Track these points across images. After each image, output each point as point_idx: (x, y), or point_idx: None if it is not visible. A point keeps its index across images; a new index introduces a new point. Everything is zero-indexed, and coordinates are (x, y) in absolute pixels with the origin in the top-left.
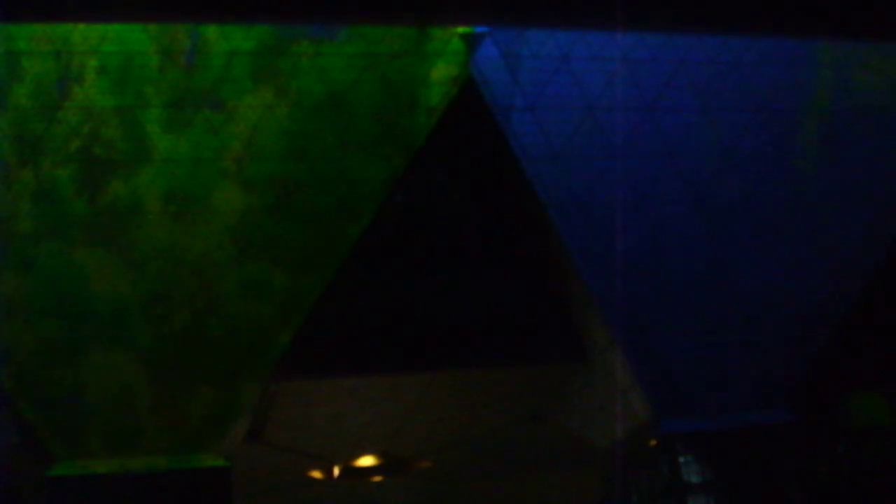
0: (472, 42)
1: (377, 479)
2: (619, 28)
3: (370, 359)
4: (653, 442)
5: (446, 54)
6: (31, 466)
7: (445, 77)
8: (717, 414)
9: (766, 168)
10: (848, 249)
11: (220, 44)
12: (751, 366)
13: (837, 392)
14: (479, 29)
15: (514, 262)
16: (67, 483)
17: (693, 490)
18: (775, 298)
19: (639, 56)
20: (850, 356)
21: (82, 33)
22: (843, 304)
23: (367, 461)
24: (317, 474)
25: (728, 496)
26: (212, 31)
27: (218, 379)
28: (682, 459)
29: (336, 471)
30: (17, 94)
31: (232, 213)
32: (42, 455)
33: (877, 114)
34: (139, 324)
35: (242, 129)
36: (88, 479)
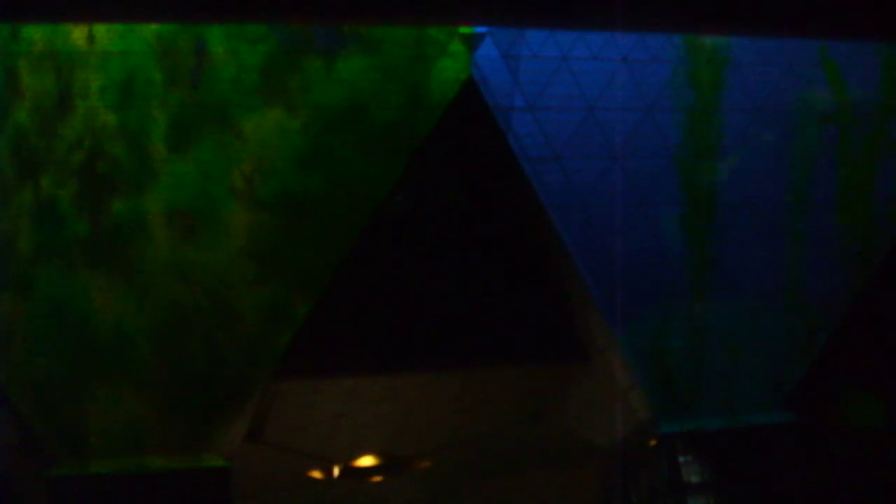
0: (472, 42)
1: (377, 479)
2: (619, 28)
3: (370, 359)
4: (653, 442)
5: (446, 54)
6: (31, 466)
7: (445, 77)
8: (717, 414)
9: (766, 168)
10: (848, 249)
11: (227, 59)
12: (751, 366)
13: (836, 393)
14: (479, 29)
15: (514, 262)
16: (67, 483)
17: (693, 490)
18: (775, 299)
19: (639, 56)
20: (850, 357)
21: (85, 50)
22: (843, 305)
23: (367, 461)
24: (317, 474)
25: (728, 496)
26: (217, 48)
27: (218, 379)
28: (682, 459)
29: (336, 471)
30: (18, 113)
31: (233, 215)
32: (42, 455)
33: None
34: (140, 329)
35: (251, 144)
36: (88, 479)
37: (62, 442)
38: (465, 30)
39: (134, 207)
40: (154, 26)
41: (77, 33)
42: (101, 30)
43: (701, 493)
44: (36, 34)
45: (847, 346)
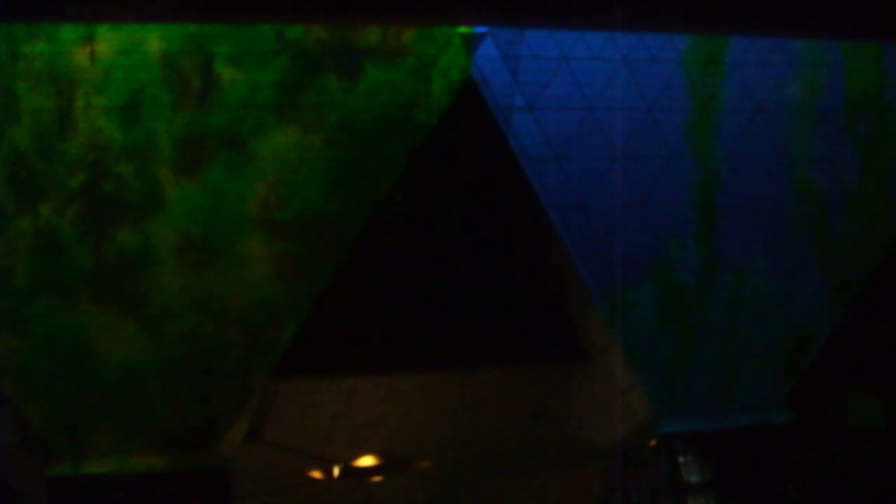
0: (472, 42)
1: (377, 479)
2: (619, 28)
3: (370, 359)
4: (653, 442)
5: (446, 54)
6: (31, 466)
7: (445, 77)
8: (717, 414)
9: (765, 168)
10: (848, 249)
11: (237, 79)
12: (750, 366)
13: (836, 392)
14: (479, 29)
15: (514, 262)
16: (67, 483)
17: (693, 490)
18: (775, 298)
19: (639, 56)
20: (849, 357)
21: (86, 68)
22: (843, 304)
23: (367, 461)
24: (317, 474)
25: (728, 496)
26: (225, 71)
27: (218, 379)
28: (681, 459)
29: (336, 471)
30: (16, 136)
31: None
32: (42, 455)
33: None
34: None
35: (265, 165)
36: (88, 479)
37: (62, 441)
38: (464, 30)
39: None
40: (157, 43)
41: (78, 54)
42: (103, 48)
43: (701, 493)
44: (35, 52)
45: (847, 346)
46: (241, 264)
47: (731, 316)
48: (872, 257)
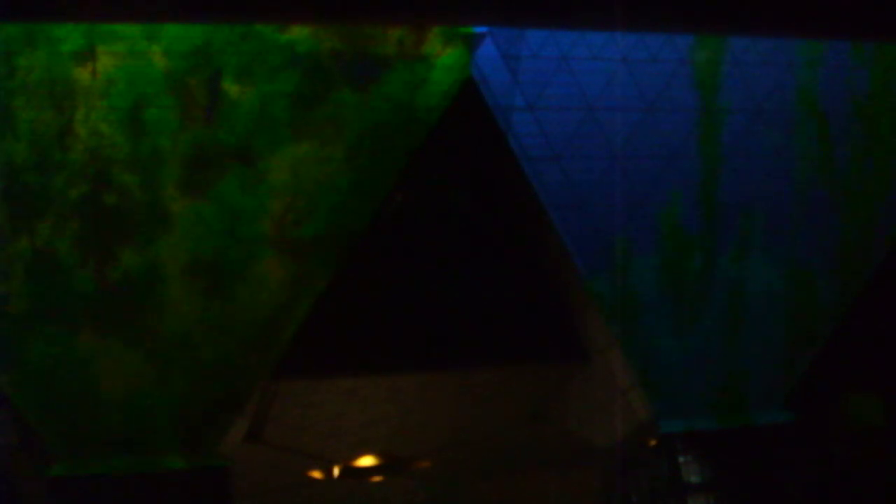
0: (472, 42)
1: (377, 479)
2: (619, 28)
3: (370, 359)
4: (653, 442)
5: (446, 54)
6: (31, 466)
7: (445, 77)
8: (717, 414)
9: (765, 168)
10: (848, 249)
11: (246, 94)
12: (751, 366)
13: (836, 392)
14: (479, 29)
15: (514, 262)
16: (67, 483)
17: (693, 490)
18: (775, 298)
19: (639, 56)
20: (850, 357)
21: (87, 79)
22: (843, 304)
23: (367, 461)
24: (317, 474)
25: (728, 496)
26: (232, 88)
27: (218, 379)
28: (682, 459)
29: (336, 471)
30: (14, 151)
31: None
32: (42, 455)
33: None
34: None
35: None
36: (88, 479)
37: (62, 440)
38: (465, 30)
39: None
40: (162, 59)
41: (79, 71)
42: (105, 62)
43: (701, 493)
44: (34, 64)
45: (847, 346)
46: (247, 272)
47: (732, 316)
48: (872, 257)
